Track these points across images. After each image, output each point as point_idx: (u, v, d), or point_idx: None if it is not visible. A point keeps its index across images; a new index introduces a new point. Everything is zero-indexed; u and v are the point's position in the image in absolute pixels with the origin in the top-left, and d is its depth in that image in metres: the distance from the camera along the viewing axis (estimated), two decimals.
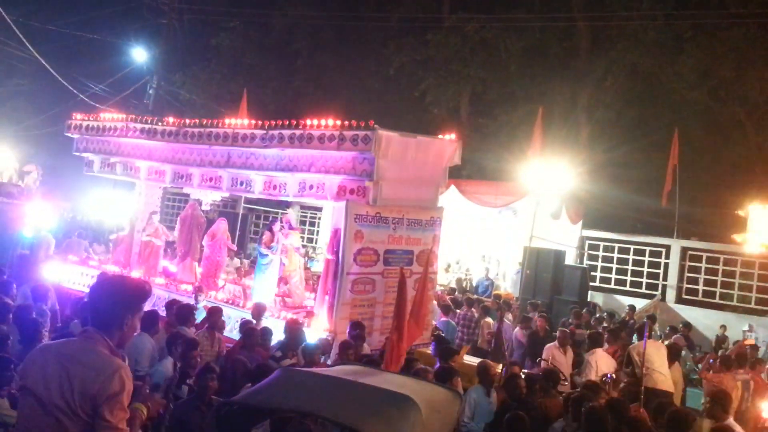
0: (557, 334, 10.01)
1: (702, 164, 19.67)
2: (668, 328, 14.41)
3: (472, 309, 13.29)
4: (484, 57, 23.51)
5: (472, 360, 9.63)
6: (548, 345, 9.73)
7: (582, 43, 22.61)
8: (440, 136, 10.55)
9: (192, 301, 9.83)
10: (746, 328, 15.46)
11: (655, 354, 8.89)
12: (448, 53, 23.87)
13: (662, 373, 8.80)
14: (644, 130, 21.14)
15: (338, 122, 9.51)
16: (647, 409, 7.83)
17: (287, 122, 10.09)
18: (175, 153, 11.82)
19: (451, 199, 17.07)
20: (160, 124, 11.89)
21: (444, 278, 18.19)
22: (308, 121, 9.83)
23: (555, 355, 9.33)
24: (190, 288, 11.35)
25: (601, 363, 8.79)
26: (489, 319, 12.71)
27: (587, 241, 19.17)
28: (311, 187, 10.09)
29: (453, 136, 10.52)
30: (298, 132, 9.82)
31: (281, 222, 11.37)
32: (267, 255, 10.87)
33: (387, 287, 9.70)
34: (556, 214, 17.62)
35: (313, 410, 4.75)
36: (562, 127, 21.22)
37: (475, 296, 16.38)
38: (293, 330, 8.33)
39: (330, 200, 9.90)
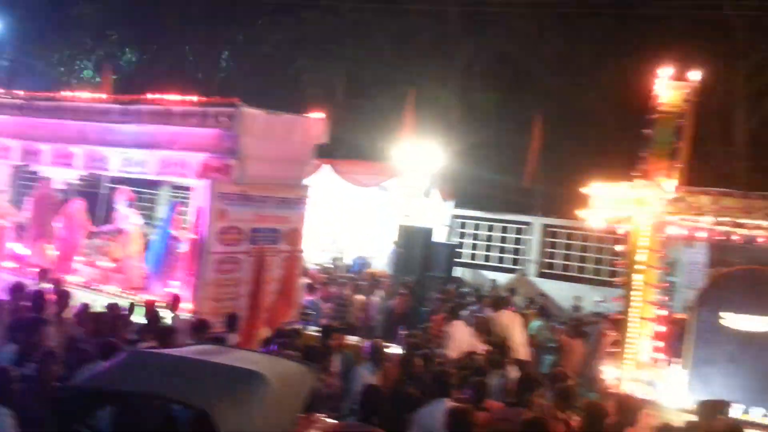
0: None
1: (562, 146, 20.81)
2: (528, 300, 15.26)
3: (345, 287, 13.46)
4: (359, 37, 23.62)
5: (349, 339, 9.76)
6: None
7: (452, 28, 23.20)
8: (307, 114, 10.53)
9: (40, 285, 9.29)
10: (599, 299, 16.62)
11: (512, 324, 9.39)
12: (323, 33, 23.78)
13: (518, 343, 9.31)
14: (511, 113, 22.08)
15: (201, 99, 9.28)
16: None
17: (147, 97, 9.72)
18: (25, 128, 11.07)
19: (325, 178, 17.17)
20: (8, 97, 11.11)
21: (318, 257, 18.29)
22: (169, 97, 9.52)
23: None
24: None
25: (459, 334, 9.17)
26: (360, 297, 12.94)
27: (457, 219, 19.84)
28: (173, 165, 9.79)
29: (320, 114, 10.53)
30: (158, 108, 9.49)
31: (119, 201, 10.99)
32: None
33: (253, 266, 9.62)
34: (427, 192, 18.12)
35: (158, 391, 4.67)
36: (433, 109, 21.73)
37: (349, 274, 16.63)
38: (152, 313, 8.10)
39: (193, 178, 9.65)
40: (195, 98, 9.26)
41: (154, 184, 19.57)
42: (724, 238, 7.87)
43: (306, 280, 12.32)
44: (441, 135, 19.63)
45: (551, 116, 20.20)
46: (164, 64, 25.66)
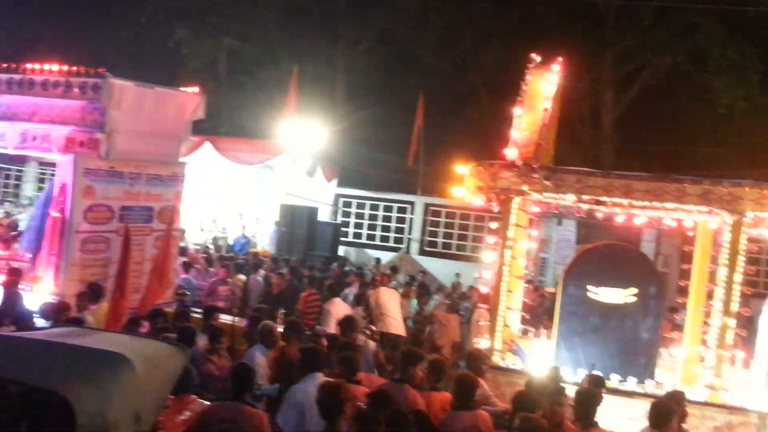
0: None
1: (444, 126, 21.30)
2: (408, 277, 15.58)
3: (225, 267, 13.17)
4: (243, 11, 22.98)
5: (225, 318, 9.56)
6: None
7: (338, 5, 23.05)
8: (181, 89, 10.15)
9: None
10: (478, 275, 17.26)
11: (390, 301, 9.55)
12: (205, 4, 22.97)
13: (395, 318, 9.50)
14: (395, 93, 22.33)
15: (64, 68, 8.71)
16: (384, 350, 8.45)
17: (4, 65, 9.02)
18: None
19: (206, 156, 16.70)
20: None
21: (199, 237, 17.81)
22: (30, 66, 8.88)
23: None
24: None
25: (339, 311, 9.22)
26: (241, 276, 12.72)
27: (341, 199, 19.91)
28: (34, 138, 9.16)
29: (195, 88, 10.18)
30: (16, 77, 8.85)
31: None
32: None
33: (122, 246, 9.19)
34: (311, 171, 18.04)
35: (13, 376, 4.38)
36: (319, 87, 21.60)
37: (231, 254, 16.32)
38: (9, 295, 7.57)
39: (56, 153, 9.08)
40: (58, 67, 8.68)
41: (20, 160, 18.33)
42: (584, 216, 8.33)
43: (182, 259, 11.96)
44: (325, 114, 19.58)
45: (435, 97, 20.60)
46: (29, 32, 23.89)
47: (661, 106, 20.10)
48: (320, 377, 5.63)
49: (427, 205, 19.32)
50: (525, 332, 9.31)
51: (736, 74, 18.38)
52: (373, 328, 9.06)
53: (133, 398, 4.45)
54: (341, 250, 18.45)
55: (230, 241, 18.39)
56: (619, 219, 8.67)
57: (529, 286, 9.46)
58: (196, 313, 8.70)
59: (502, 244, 8.10)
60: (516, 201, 8.01)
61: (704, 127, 19.64)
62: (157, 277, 8.83)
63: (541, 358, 8.18)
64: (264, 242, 18.79)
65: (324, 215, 18.45)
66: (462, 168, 8.56)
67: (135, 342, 5.10)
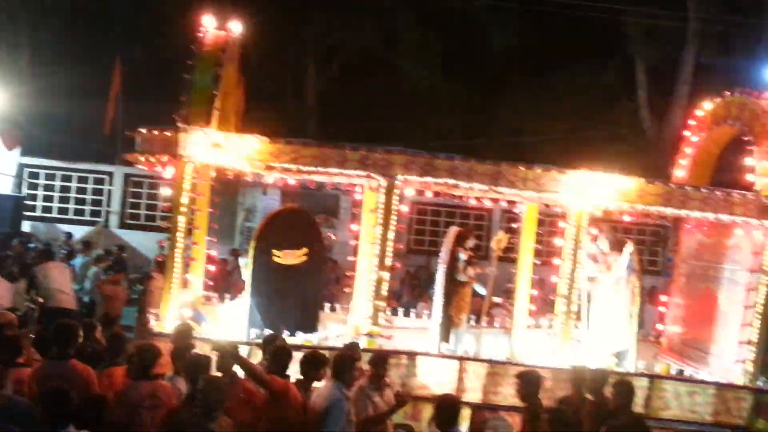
0: None
1: (146, 93, 20.25)
2: (104, 251, 14.72)
3: None
4: None
5: None
6: None
7: None
8: None
9: None
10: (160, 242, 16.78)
11: (60, 275, 8.95)
12: None
13: (66, 293, 8.93)
14: (89, 58, 20.62)
15: None
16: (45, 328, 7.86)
17: None
18: None
19: None
20: None
21: None
22: None
23: None
24: None
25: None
26: None
27: (26, 169, 18.02)
28: None
29: None
30: None
31: None
32: None
33: None
34: None
35: None
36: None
37: None
38: None
39: None
40: None
41: None
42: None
43: None
44: (7, 76, 17.52)
45: (133, 61, 19.50)
46: None
47: (359, 84, 21.36)
48: None
49: (127, 176, 18.30)
50: (208, 298, 9.37)
51: (421, 55, 20.26)
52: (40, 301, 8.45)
53: None
54: (27, 226, 16.79)
55: None
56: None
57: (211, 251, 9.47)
58: None
59: (176, 211, 7.99)
60: (189, 166, 7.93)
61: (396, 104, 21.33)
62: None
63: (230, 323, 8.29)
64: None
65: (5, 187, 16.59)
66: (138, 133, 8.20)
67: None
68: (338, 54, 21.85)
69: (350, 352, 6.61)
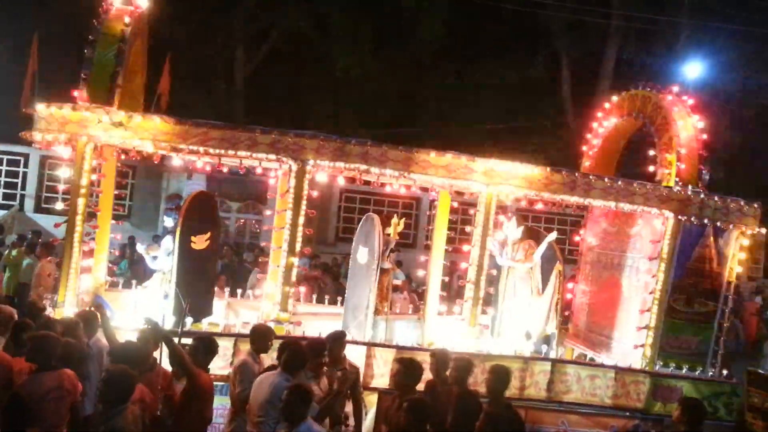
0: None
1: (63, 69, 19.46)
2: (16, 237, 14.14)
3: None
4: None
5: None
6: None
7: None
8: None
9: None
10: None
11: None
12: None
13: None
14: (6, 32, 19.70)
15: None
16: None
17: None
18: None
19: None
20: None
21: None
22: None
23: None
24: None
25: None
26: None
27: None
28: None
29: None
30: None
31: None
32: None
33: None
34: None
35: None
36: None
37: None
38: None
39: None
40: None
41: None
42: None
43: None
44: None
45: (50, 37, 18.66)
46: None
47: (288, 68, 21.09)
48: None
49: (44, 158, 17.60)
50: (113, 284, 9.10)
51: (351, 42, 20.13)
52: None
53: None
54: None
55: None
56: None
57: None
58: None
59: (75, 193, 7.71)
60: (89, 146, 7.65)
61: (324, 88, 21.15)
62: None
63: (146, 309, 8.06)
64: None
65: None
66: (33, 108, 7.86)
67: None
68: (268, 37, 21.51)
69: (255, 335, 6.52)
